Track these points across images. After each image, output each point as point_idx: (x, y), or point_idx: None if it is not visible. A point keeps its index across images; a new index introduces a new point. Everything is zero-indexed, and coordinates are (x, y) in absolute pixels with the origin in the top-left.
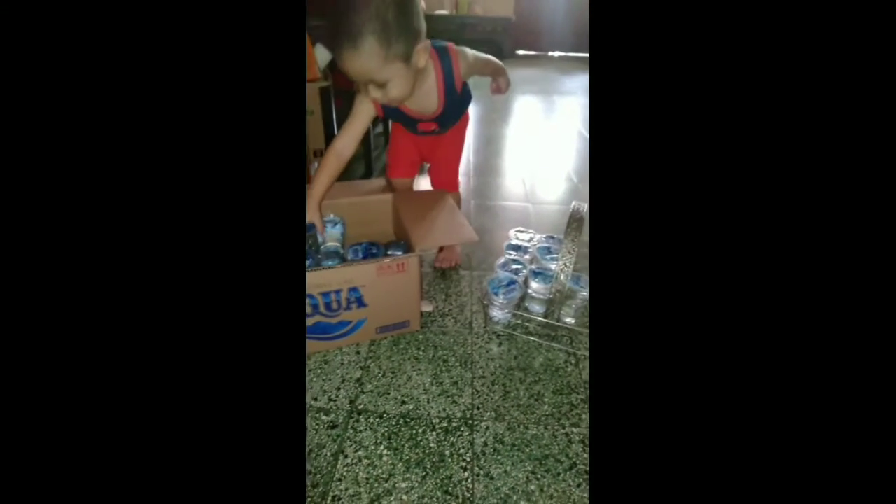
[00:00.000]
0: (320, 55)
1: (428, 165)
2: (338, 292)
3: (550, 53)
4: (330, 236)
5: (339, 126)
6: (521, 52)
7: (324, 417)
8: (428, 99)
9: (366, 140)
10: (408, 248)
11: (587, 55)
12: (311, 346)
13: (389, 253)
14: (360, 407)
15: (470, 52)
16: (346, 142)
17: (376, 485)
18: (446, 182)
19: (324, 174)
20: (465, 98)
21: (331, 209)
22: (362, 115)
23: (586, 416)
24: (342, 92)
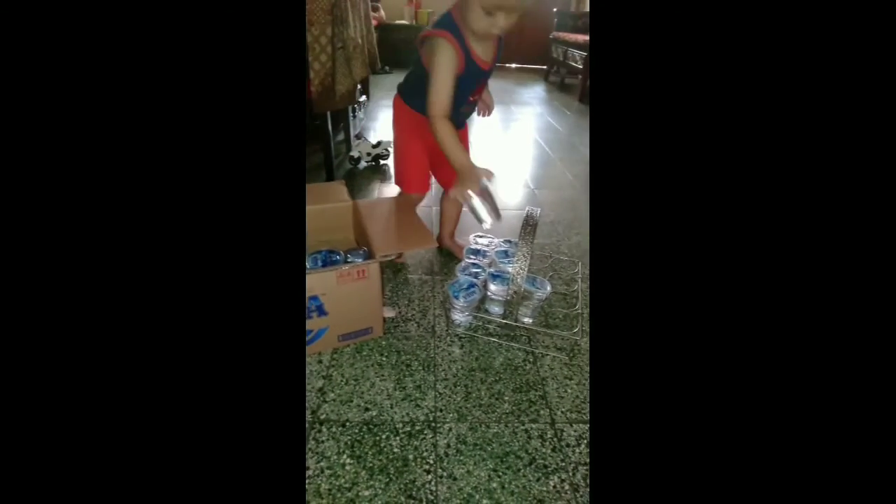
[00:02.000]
0: None
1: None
2: None
3: (507, 65)
4: None
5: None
6: None
7: None
8: (489, 46)
9: (326, 146)
10: (369, 254)
11: (543, 67)
12: None
13: (349, 260)
14: (322, 417)
15: None
16: (446, 99)
17: (339, 495)
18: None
19: (453, 139)
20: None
21: None
22: (450, 63)
23: (544, 412)
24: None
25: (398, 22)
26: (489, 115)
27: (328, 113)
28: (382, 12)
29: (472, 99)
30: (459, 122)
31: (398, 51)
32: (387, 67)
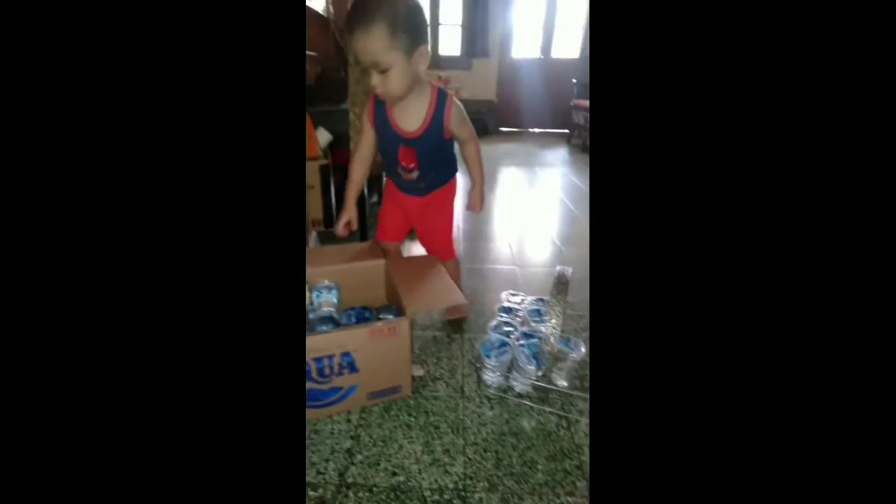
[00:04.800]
0: (321, 136)
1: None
2: (330, 357)
3: (530, 129)
4: (325, 301)
5: (338, 199)
6: (503, 129)
7: (311, 493)
8: (416, 114)
9: (361, 207)
10: (399, 311)
11: (565, 131)
12: None
13: (381, 317)
14: (349, 480)
15: (463, 111)
16: (365, 146)
17: None
18: (438, 250)
19: (356, 178)
20: (448, 155)
21: (325, 275)
22: (366, 138)
23: (581, 484)
24: (340, 168)
25: None
26: (477, 212)
27: None
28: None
29: (405, 165)
30: (403, 185)
31: None
32: None
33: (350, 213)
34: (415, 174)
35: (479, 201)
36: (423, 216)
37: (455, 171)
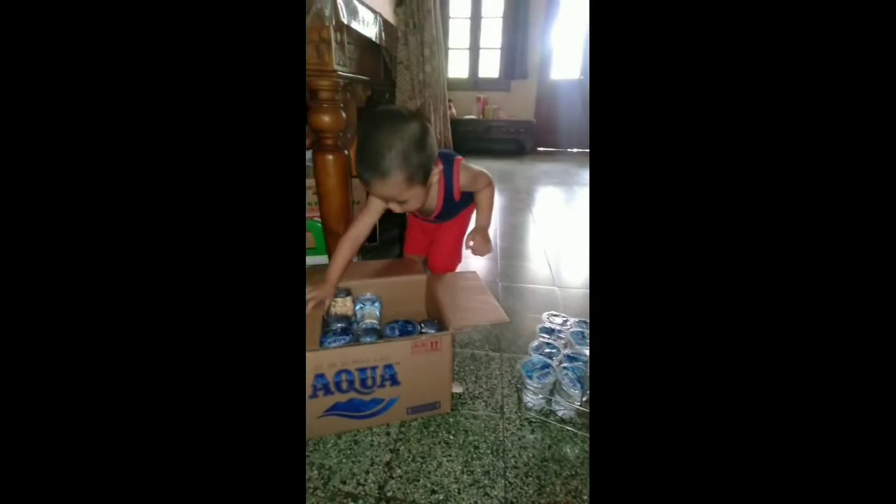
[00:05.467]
0: None
1: None
2: (374, 369)
3: (568, 149)
4: (368, 314)
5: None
6: (541, 149)
7: (352, 503)
8: (430, 202)
9: (401, 224)
10: (440, 326)
11: None
12: (343, 424)
13: (423, 331)
14: (388, 494)
15: (472, 168)
16: (361, 230)
17: None
18: (441, 264)
19: (340, 258)
20: (464, 201)
21: (368, 288)
22: (374, 209)
23: None
24: None
25: (467, 117)
26: (482, 254)
27: None
28: (454, 109)
29: (426, 216)
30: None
31: (466, 140)
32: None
33: (326, 292)
34: (436, 220)
35: (482, 245)
36: (441, 232)
37: (470, 202)
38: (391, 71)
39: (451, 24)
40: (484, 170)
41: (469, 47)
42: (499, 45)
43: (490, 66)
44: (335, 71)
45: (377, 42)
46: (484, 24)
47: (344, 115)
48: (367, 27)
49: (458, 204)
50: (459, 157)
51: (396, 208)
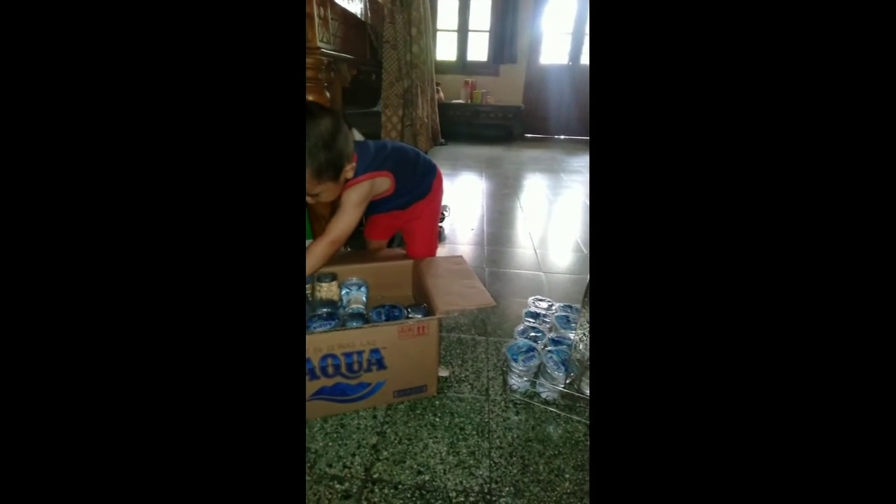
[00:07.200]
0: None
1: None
2: (360, 353)
3: (556, 136)
4: (354, 299)
5: None
6: (529, 135)
7: (337, 486)
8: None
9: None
10: (427, 311)
11: (589, 138)
12: (330, 408)
13: (410, 315)
14: (374, 476)
15: (360, 195)
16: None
17: None
18: (421, 251)
19: (319, 261)
20: (418, 176)
21: (355, 273)
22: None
23: None
24: None
25: (455, 101)
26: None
27: None
28: (442, 93)
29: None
30: (384, 208)
31: (454, 125)
32: (443, 140)
33: None
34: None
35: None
36: (412, 220)
37: (430, 188)
38: (377, 50)
39: (440, 4)
40: (352, 221)
41: (458, 29)
42: (487, 28)
43: (478, 50)
44: (319, 48)
45: (362, 19)
46: (473, 4)
47: (328, 94)
48: (352, 2)
49: (415, 179)
50: (440, 171)
51: (311, 201)
